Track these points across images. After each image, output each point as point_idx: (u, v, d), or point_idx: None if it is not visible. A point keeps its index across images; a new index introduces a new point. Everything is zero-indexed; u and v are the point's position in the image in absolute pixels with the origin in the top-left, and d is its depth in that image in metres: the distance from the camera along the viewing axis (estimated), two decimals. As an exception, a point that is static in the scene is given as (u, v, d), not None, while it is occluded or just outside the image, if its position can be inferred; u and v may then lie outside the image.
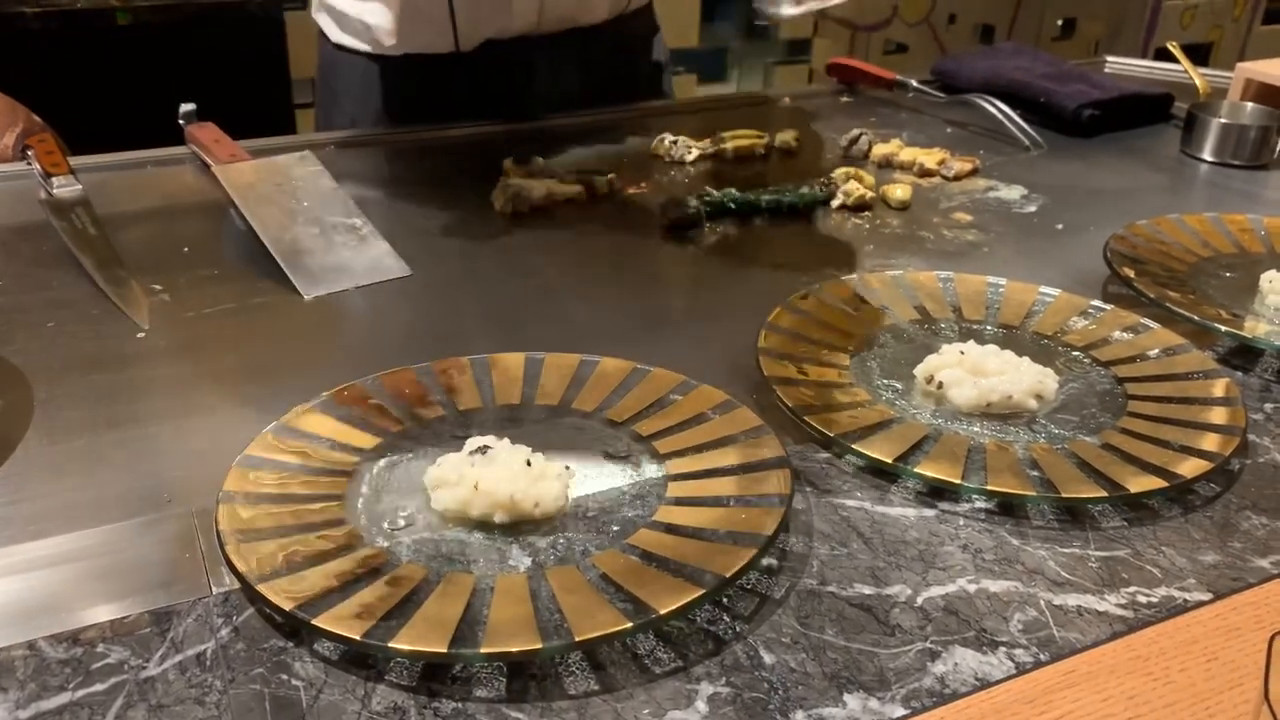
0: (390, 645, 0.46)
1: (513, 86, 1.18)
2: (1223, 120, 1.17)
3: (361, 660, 0.48)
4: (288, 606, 0.48)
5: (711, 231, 0.96)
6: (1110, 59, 1.54)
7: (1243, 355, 0.76)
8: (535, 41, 1.16)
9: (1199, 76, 1.30)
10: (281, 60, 2.21)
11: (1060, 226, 1.00)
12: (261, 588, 0.49)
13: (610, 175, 1.03)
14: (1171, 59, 1.40)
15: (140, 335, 0.76)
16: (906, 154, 1.11)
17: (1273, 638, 0.37)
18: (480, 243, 0.94)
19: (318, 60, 1.25)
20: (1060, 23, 2.98)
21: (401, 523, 0.56)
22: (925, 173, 1.10)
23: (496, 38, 1.13)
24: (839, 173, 1.04)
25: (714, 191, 0.98)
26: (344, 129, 1.20)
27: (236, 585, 0.51)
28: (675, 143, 1.12)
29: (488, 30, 1.11)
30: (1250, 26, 2.86)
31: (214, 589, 0.52)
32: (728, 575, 0.50)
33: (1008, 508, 0.60)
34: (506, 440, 0.59)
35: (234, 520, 0.54)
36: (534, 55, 1.17)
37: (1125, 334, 0.76)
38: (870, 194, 1.02)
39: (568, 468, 0.58)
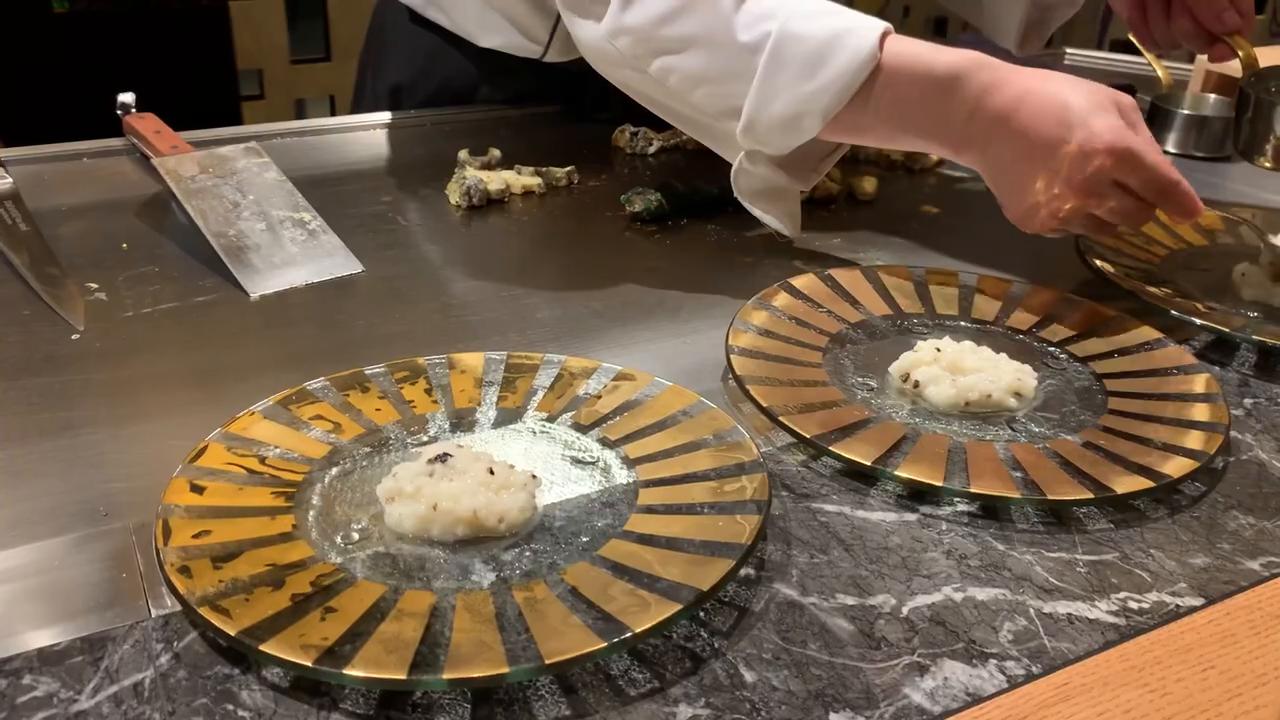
0: (345, 673, 0.43)
1: (578, 87, 1.13)
2: (1185, 112, 1.16)
3: (314, 688, 0.45)
4: (232, 631, 0.44)
5: (676, 225, 0.93)
6: (1070, 50, 1.53)
7: (1219, 349, 0.75)
8: None
9: (1162, 68, 1.29)
10: (227, 51, 2.15)
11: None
12: (204, 610, 0.46)
13: (569, 168, 1.00)
14: (1132, 50, 1.39)
15: (75, 337, 0.72)
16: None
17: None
18: (435, 237, 0.90)
19: (374, 30, 1.21)
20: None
21: (356, 536, 0.52)
22: (892, 164, 1.08)
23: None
24: (804, 165, 1.01)
25: (677, 184, 0.95)
26: (384, 100, 1.18)
27: (178, 608, 0.48)
28: (636, 134, 1.09)
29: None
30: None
31: (153, 612, 0.48)
32: (705, 589, 0.47)
33: (991, 510, 0.58)
34: (467, 448, 0.55)
35: (174, 537, 0.50)
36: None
37: (1102, 328, 0.74)
38: (837, 186, 0.99)
39: (534, 476, 0.55)
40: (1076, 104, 0.69)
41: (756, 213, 0.86)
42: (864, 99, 0.74)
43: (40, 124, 1.12)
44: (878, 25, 0.74)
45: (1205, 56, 1.29)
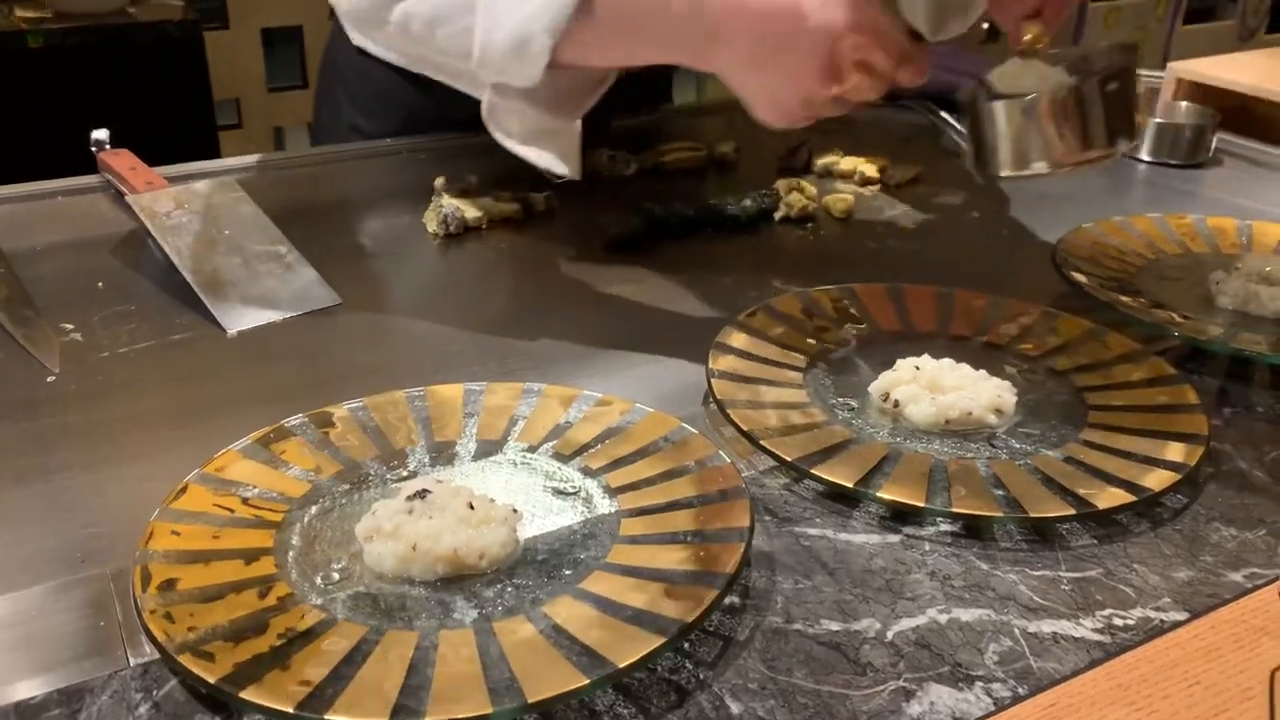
0: (327, 718, 0.42)
1: None
2: (1159, 121, 1.17)
3: (296, 733, 0.44)
4: (212, 679, 0.44)
5: (654, 248, 0.93)
6: (1042, 61, 1.54)
7: (1197, 359, 0.75)
8: None
9: (1132, 77, 1.30)
10: (203, 81, 2.14)
11: (1006, 233, 0.99)
12: (183, 658, 0.45)
13: (547, 193, 1.00)
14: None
15: (50, 379, 0.71)
16: (847, 163, 1.10)
17: (1274, 673, 0.34)
18: (413, 267, 0.90)
19: (327, 62, 1.19)
20: (986, 26, 3.01)
21: (336, 576, 0.52)
22: (867, 181, 1.08)
23: None
24: (781, 183, 1.02)
25: (654, 207, 0.95)
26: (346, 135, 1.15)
27: (157, 656, 0.47)
28: (614, 157, 1.09)
29: None
30: (1173, 26, 2.91)
31: (132, 661, 0.48)
32: (690, 620, 0.47)
33: (974, 530, 0.58)
34: (446, 482, 0.55)
35: (152, 583, 0.49)
36: None
37: (1080, 341, 0.74)
38: (813, 205, 1.00)
39: (515, 510, 0.55)
40: None
41: (520, 151, 0.83)
42: (588, 11, 0.72)
43: (18, 161, 1.12)
44: None
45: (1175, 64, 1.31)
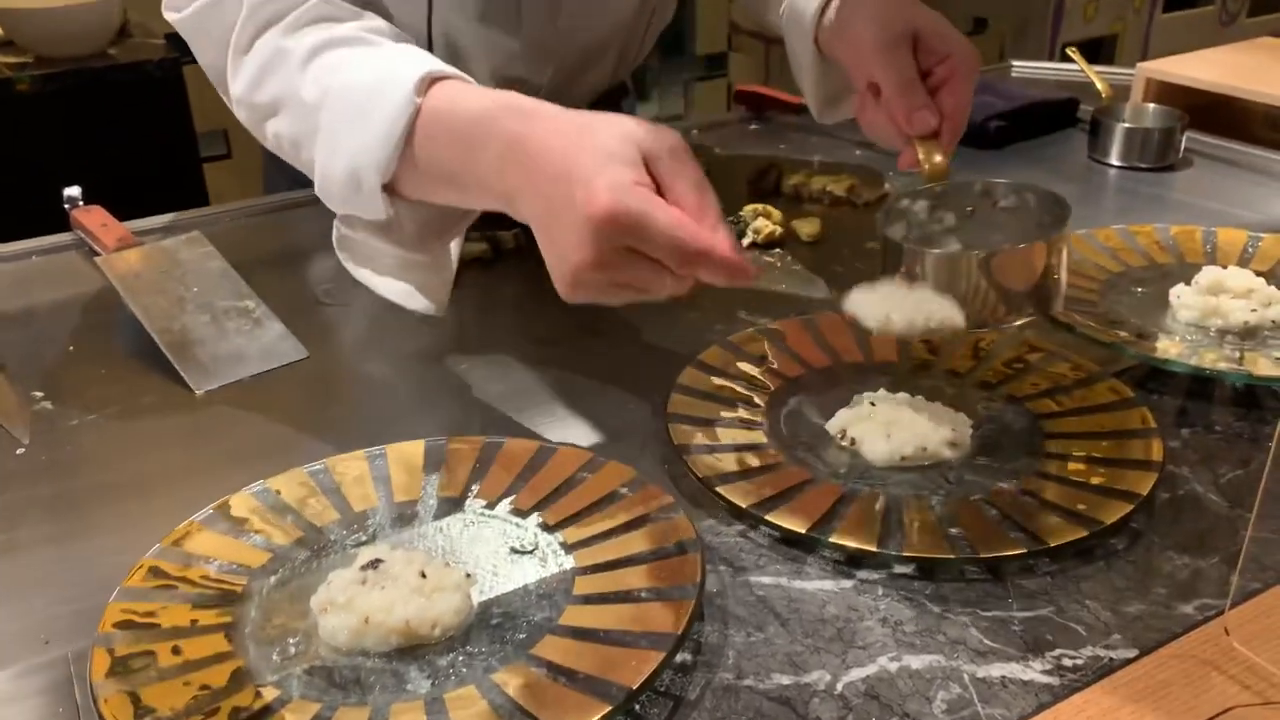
0: (274, 804, 0.43)
1: None
2: (1127, 125, 1.17)
3: (249, 817, 0.45)
4: (164, 768, 0.45)
5: (621, 282, 0.93)
6: (1016, 64, 1.54)
7: (1158, 378, 0.75)
8: None
9: (1100, 80, 1.30)
10: (184, 115, 2.15)
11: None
12: (137, 747, 0.46)
13: (515, 230, 1.00)
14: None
15: (20, 451, 0.72)
16: (816, 183, 1.10)
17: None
18: (380, 316, 0.90)
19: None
20: (973, 20, 3.01)
21: (293, 650, 0.53)
22: (835, 201, 1.08)
23: None
24: (747, 210, 1.02)
25: (621, 241, 0.96)
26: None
27: (113, 743, 0.48)
28: (582, 188, 1.09)
29: None
30: (1152, 16, 2.90)
31: (90, 748, 0.49)
32: (635, 686, 0.48)
33: (927, 570, 0.58)
34: (400, 551, 0.56)
35: (108, 668, 0.50)
36: None
37: (1040, 365, 0.75)
38: (780, 230, 1.00)
39: (468, 575, 0.55)
40: (585, 160, 0.58)
41: (374, 285, 0.77)
42: (410, 151, 0.67)
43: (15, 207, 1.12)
44: (421, 67, 0.67)
45: (1144, 65, 1.30)
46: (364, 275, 0.77)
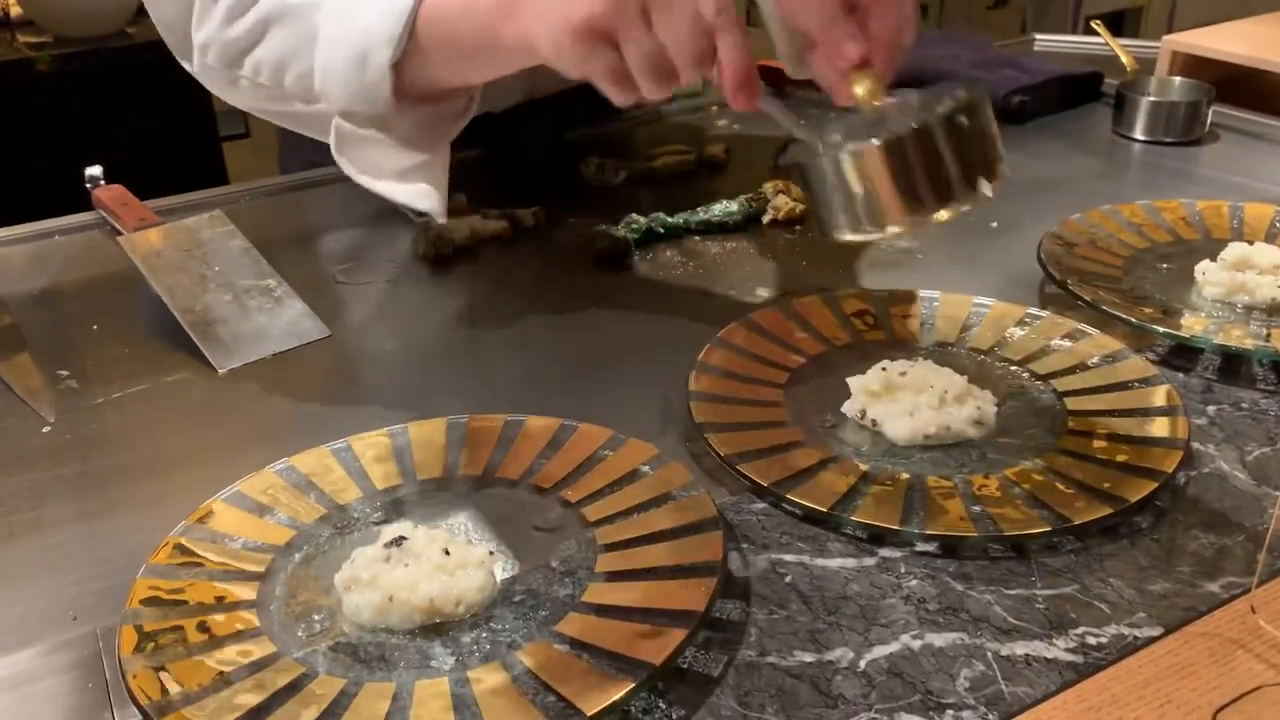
0: (302, 779, 0.44)
1: (500, 147, 1.12)
2: (1152, 99, 1.15)
3: (277, 792, 0.45)
4: (193, 742, 0.45)
5: (642, 259, 0.93)
6: (1039, 37, 1.52)
7: (1183, 355, 0.75)
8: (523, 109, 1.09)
9: (1124, 53, 1.29)
10: (203, 94, 2.16)
11: (995, 224, 0.98)
12: (165, 721, 0.46)
13: (535, 208, 1.00)
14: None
15: (46, 430, 0.73)
16: (837, 159, 1.09)
17: (1216, 714, 0.35)
18: (401, 293, 0.91)
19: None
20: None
21: (318, 627, 0.53)
22: (856, 178, 1.07)
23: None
24: (768, 186, 1.02)
25: (640, 217, 0.96)
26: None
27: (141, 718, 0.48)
28: (603, 165, 1.09)
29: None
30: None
31: (119, 723, 0.49)
32: (658, 663, 0.48)
33: (950, 549, 0.58)
34: (423, 529, 0.56)
35: (136, 643, 0.51)
36: (521, 121, 1.10)
37: (1063, 342, 0.74)
38: (801, 206, 0.99)
39: (491, 552, 0.56)
40: None
41: (375, 187, 0.80)
42: (416, 27, 0.72)
43: (22, 189, 1.13)
44: None
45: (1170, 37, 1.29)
46: (365, 180, 0.80)
